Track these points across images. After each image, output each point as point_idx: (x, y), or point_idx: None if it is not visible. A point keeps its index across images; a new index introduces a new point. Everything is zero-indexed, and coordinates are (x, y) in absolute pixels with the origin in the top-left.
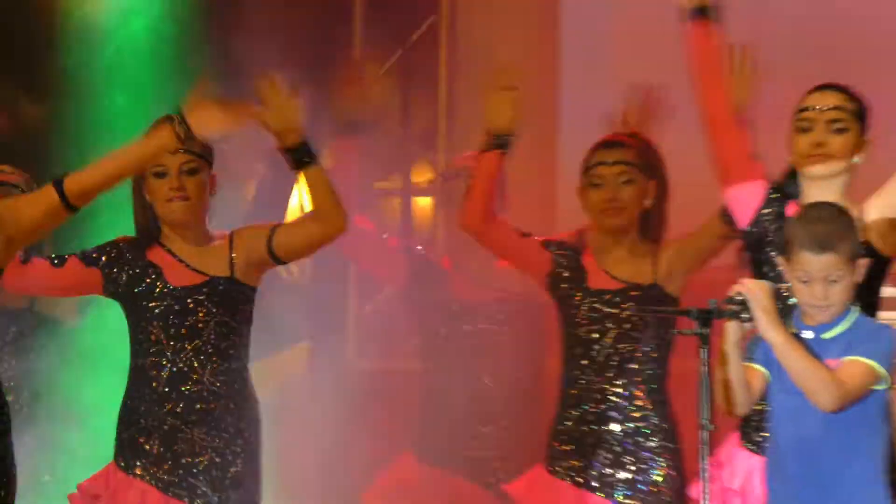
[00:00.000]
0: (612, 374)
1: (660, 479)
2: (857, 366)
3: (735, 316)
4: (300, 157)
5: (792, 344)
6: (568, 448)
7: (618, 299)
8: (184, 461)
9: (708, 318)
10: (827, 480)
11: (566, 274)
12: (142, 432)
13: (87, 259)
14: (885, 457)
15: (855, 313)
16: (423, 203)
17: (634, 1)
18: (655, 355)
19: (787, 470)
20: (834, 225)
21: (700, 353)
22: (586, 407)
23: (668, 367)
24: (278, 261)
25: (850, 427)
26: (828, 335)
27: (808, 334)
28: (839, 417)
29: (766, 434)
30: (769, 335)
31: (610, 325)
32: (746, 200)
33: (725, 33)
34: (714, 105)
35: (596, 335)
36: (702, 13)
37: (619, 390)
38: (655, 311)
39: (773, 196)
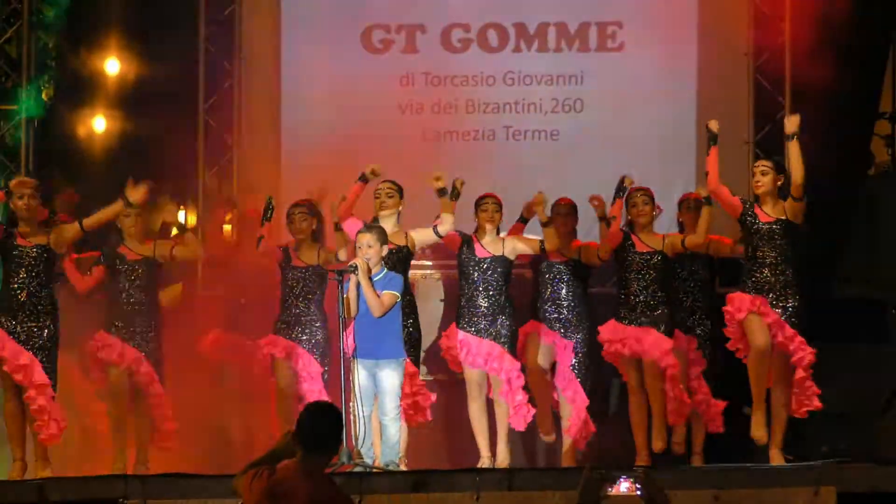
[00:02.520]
0: None
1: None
2: (389, 294)
3: (353, 272)
4: None
5: (369, 285)
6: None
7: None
8: None
9: (342, 272)
10: (378, 340)
11: None
12: None
13: None
14: (399, 325)
15: (385, 269)
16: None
17: None
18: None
19: (363, 332)
20: (375, 227)
21: (339, 288)
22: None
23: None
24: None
25: (387, 319)
26: (377, 279)
27: (375, 278)
28: (384, 317)
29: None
30: (362, 282)
31: None
32: None
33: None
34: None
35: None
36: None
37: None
38: (330, 270)
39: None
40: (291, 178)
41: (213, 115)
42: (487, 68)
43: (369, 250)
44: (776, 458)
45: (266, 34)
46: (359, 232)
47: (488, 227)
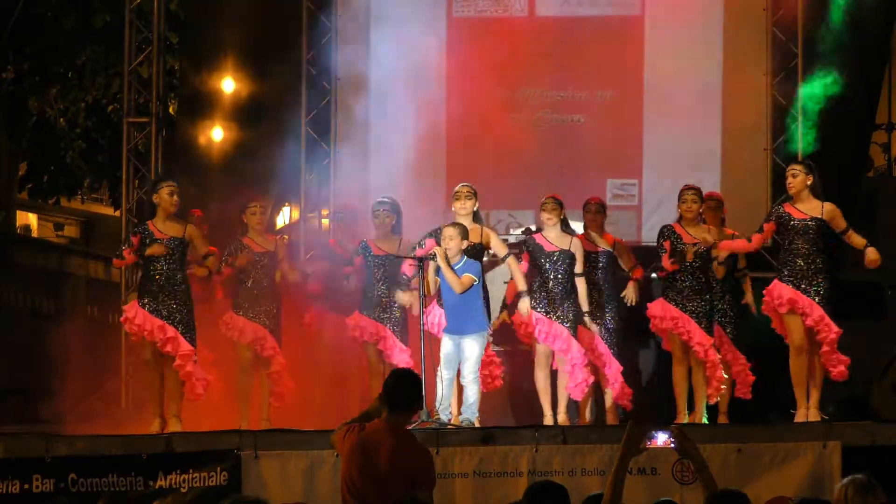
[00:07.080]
0: None
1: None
2: (467, 277)
3: (432, 259)
4: None
5: (448, 268)
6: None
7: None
8: None
9: (422, 260)
10: (464, 315)
11: None
12: None
13: None
14: (484, 302)
15: (466, 258)
16: None
17: None
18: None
19: (452, 312)
20: (459, 224)
21: (419, 272)
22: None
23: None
24: None
25: (469, 296)
26: (458, 266)
27: (457, 265)
28: (465, 294)
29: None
30: (441, 266)
31: None
32: None
33: None
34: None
35: None
36: None
37: None
38: (402, 257)
39: None
40: (378, 179)
41: (313, 126)
42: None
43: (450, 242)
44: (814, 416)
45: (357, 58)
46: (444, 226)
47: (551, 224)
